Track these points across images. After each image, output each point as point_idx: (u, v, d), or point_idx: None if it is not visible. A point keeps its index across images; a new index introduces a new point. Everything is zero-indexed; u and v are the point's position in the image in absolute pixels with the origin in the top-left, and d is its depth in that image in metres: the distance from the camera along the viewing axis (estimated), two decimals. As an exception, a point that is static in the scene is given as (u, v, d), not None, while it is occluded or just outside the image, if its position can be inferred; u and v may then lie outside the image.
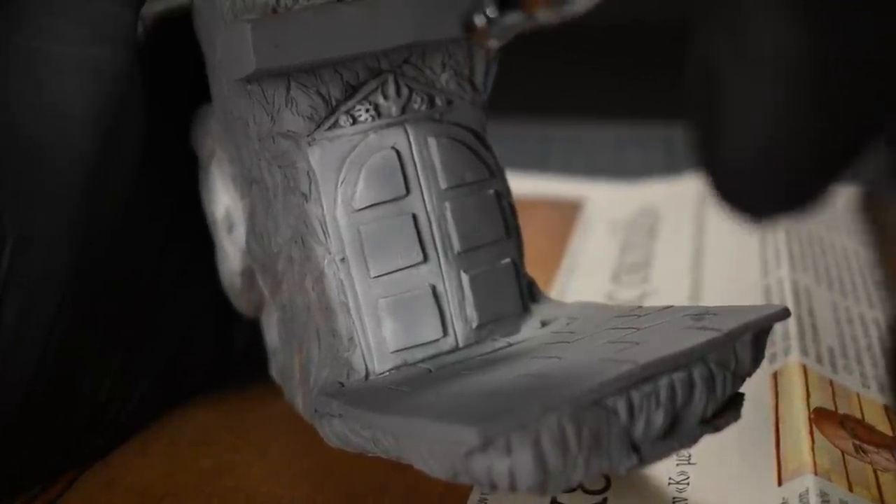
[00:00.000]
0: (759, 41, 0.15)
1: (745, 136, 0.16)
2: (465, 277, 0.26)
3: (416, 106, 0.26)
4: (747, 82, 0.16)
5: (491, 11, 0.25)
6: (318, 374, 0.26)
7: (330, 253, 0.25)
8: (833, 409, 0.29)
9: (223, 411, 0.32)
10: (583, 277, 0.40)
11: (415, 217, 0.26)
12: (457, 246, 0.26)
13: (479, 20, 0.25)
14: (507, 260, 0.27)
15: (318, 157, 0.25)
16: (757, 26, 0.15)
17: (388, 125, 0.26)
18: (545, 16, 0.23)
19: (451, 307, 0.26)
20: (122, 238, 0.29)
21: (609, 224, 0.45)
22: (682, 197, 0.46)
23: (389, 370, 0.25)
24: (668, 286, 0.38)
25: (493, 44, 0.26)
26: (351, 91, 0.26)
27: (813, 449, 0.27)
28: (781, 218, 0.17)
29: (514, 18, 0.24)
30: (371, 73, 0.26)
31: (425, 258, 0.26)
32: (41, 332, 0.27)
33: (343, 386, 0.25)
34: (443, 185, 0.26)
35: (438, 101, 0.26)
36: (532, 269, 0.28)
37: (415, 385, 0.24)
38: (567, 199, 0.48)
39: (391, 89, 0.26)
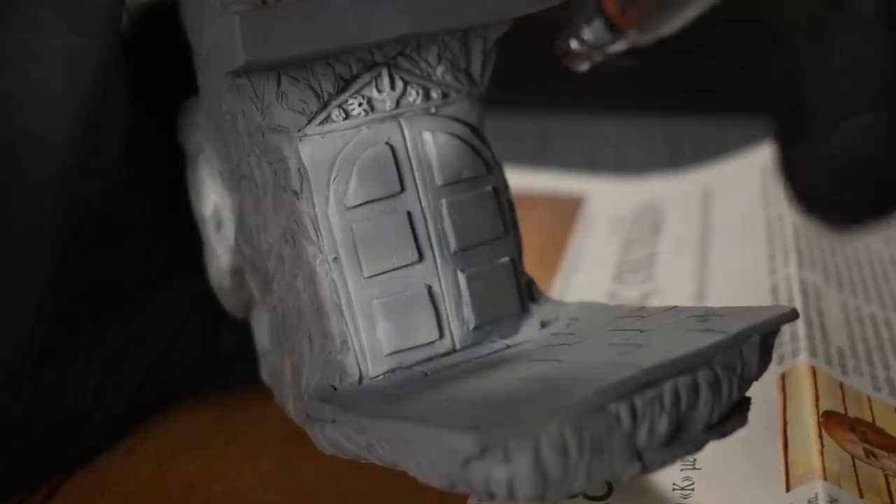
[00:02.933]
0: (842, 54, 0.15)
1: (829, 146, 0.16)
2: (461, 277, 0.26)
3: (410, 99, 0.26)
4: (830, 94, 0.16)
5: (587, 35, 0.27)
6: (309, 378, 0.25)
7: (322, 252, 0.25)
8: (843, 412, 0.29)
9: (212, 415, 0.31)
10: (584, 276, 0.40)
11: (410, 215, 0.25)
12: (453, 244, 0.26)
13: (574, 44, 0.27)
14: (506, 258, 0.26)
15: (309, 152, 0.25)
16: (840, 39, 0.15)
17: (382, 119, 0.25)
18: (637, 38, 0.26)
19: (447, 308, 0.25)
20: (107, 235, 0.28)
21: (611, 221, 0.45)
22: (686, 193, 0.46)
23: (384, 374, 0.25)
24: (671, 285, 0.38)
25: (585, 66, 0.28)
26: (343, 84, 0.25)
27: (822, 453, 0.27)
28: (866, 227, 0.17)
29: (606, 38, 0.27)
30: (364, 66, 0.25)
31: (421, 257, 0.25)
32: (23, 333, 0.26)
33: (336, 390, 0.25)
34: (439, 181, 0.26)
35: (434, 95, 0.26)
36: (531, 267, 0.28)
37: (410, 389, 0.24)
38: (567, 196, 0.48)
39: (385, 82, 0.25)
